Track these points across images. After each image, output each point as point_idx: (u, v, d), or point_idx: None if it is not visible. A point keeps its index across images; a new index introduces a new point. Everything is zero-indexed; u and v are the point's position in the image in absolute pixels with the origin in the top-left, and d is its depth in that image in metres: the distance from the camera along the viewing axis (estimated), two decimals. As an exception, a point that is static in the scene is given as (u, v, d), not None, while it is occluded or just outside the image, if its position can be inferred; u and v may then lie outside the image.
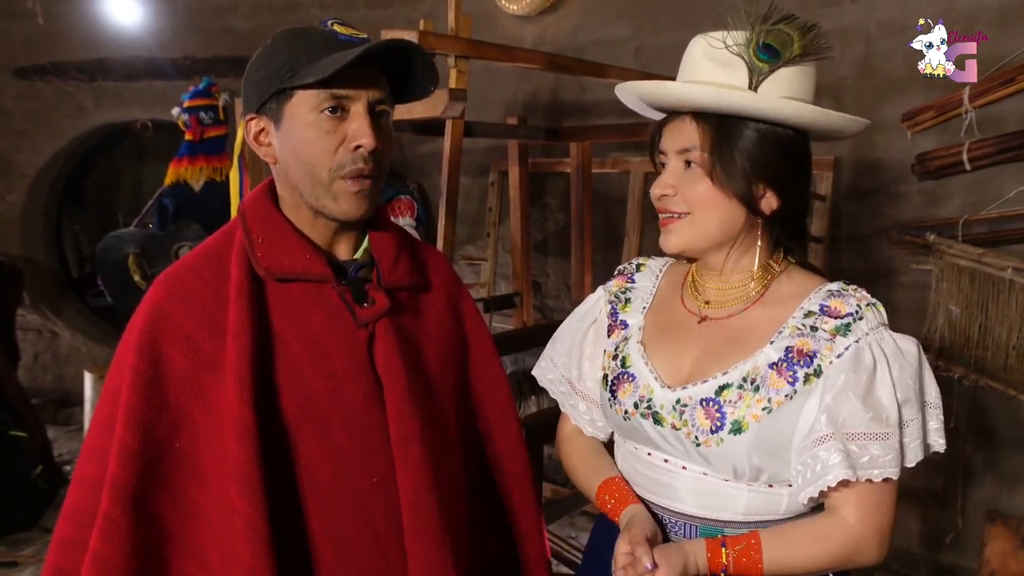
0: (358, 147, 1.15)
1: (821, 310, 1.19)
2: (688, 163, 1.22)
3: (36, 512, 3.85)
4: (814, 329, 1.18)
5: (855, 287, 1.22)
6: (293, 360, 1.15)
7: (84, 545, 1.06)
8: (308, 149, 1.15)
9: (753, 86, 1.18)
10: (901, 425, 1.15)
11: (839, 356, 1.15)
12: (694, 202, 1.21)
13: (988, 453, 3.07)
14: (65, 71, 5.26)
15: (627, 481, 1.31)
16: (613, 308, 1.39)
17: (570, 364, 1.41)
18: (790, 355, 1.17)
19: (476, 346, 1.39)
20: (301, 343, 1.16)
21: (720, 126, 1.19)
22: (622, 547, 1.17)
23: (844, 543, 1.16)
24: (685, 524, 1.24)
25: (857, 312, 1.18)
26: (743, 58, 1.18)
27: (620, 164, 3.98)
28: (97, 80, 5.25)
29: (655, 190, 1.26)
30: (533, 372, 1.49)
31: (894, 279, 3.26)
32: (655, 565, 1.13)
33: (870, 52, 3.27)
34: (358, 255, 1.25)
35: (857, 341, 1.16)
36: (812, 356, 1.16)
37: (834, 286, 1.22)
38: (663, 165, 1.27)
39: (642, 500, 1.28)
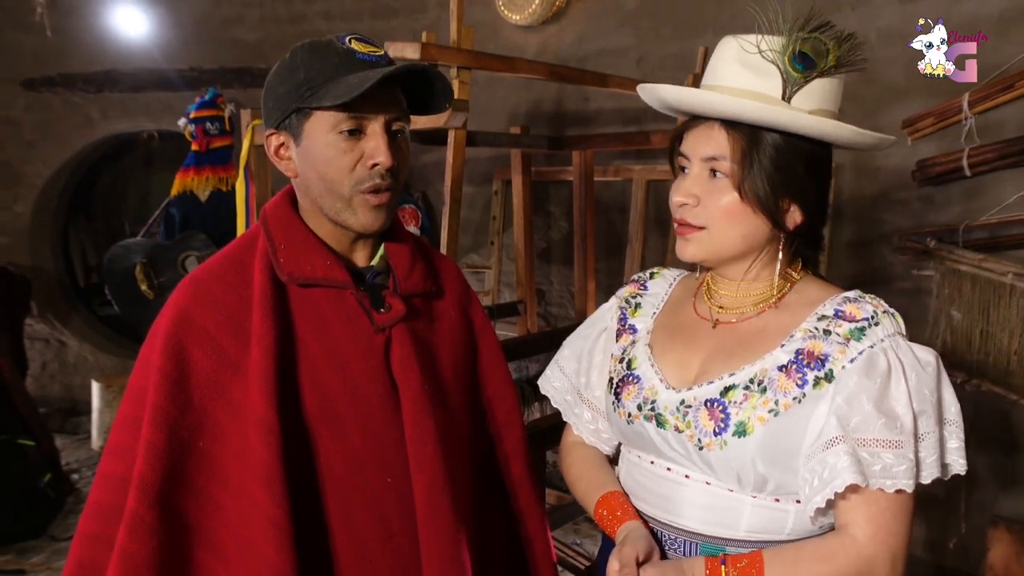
0: (375, 165, 1.18)
1: (836, 314, 1.14)
2: (714, 172, 1.16)
3: (44, 520, 3.88)
4: (827, 333, 1.13)
5: (872, 296, 1.17)
6: (313, 362, 1.19)
7: (108, 540, 1.09)
8: (327, 167, 1.18)
9: (787, 96, 1.13)
10: (916, 436, 1.08)
11: (852, 360, 1.10)
12: (715, 214, 1.16)
13: (991, 458, 3.07)
14: (73, 83, 5.32)
15: (627, 496, 1.27)
16: (623, 313, 1.36)
17: (579, 371, 1.38)
18: (800, 357, 1.12)
19: (485, 351, 1.43)
20: (320, 346, 1.20)
21: (752, 137, 1.13)
22: (613, 564, 1.13)
23: (852, 563, 1.07)
24: (685, 541, 1.18)
25: (873, 317, 1.13)
26: (777, 66, 1.12)
27: (622, 172, 4.00)
28: (104, 91, 5.32)
29: (676, 196, 1.19)
30: (539, 381, 1.44)
31: (895, 285, 3.27)
32: None
33: (870, 59, 3.24)
34: (375, 262, 1.29)
35: (872, 346, 1.10)
36: (824, 359, 1.11)
37: (851, 293, 1.18)
38: (682, 169, 1.21)
39: (642, 515, 1.23)
